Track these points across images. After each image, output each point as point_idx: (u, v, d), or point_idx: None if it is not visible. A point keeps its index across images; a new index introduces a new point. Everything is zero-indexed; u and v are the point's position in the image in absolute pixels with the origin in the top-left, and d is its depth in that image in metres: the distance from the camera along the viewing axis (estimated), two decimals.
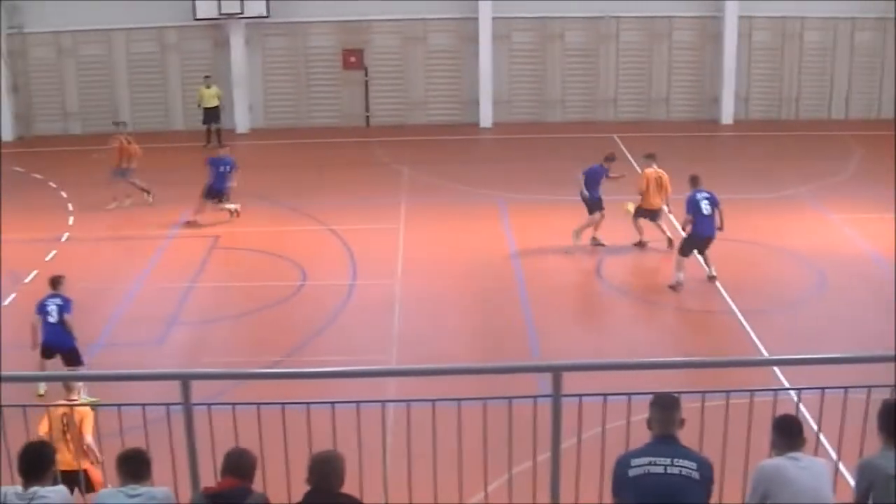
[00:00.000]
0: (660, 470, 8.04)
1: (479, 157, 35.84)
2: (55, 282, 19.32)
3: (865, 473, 8.41)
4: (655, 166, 26.12)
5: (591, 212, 26.24)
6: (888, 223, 27.80)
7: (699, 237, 23.69)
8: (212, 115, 36.58)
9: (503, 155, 35.94)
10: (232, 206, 28.28)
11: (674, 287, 23.63)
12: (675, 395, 8.51)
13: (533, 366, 12.36)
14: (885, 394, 8.95)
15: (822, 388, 9.45)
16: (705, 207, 23.54)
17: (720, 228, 23.69)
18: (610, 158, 26.88)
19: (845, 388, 9.34)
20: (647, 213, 26.03)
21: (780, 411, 8.90)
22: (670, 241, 25.80)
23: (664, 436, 8.30)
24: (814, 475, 8.31)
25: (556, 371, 8.43)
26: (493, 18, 37.95)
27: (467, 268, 25.15)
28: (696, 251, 23.85)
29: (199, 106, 36.78)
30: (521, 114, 39.37)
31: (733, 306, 22.85)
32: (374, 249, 26.14)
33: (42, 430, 13.24)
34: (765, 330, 21.71)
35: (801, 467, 8.29)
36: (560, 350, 20.35)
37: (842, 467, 10.05)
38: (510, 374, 9.32)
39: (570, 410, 8.43)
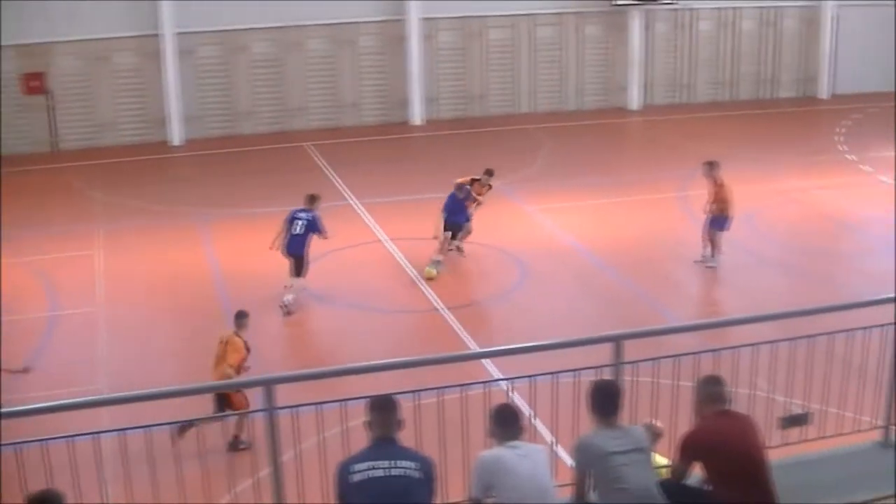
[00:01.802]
0: (381, 473, 8.01)
1: (173, 177, 35.24)
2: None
3: (582, 453, 8.60)
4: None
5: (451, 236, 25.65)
6: (581, 211, 28.91)
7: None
8: None
9: (198, 172, 35.46)
10: None
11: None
12: (393, 396, 8.52)
13: (245, 381, 12.23)
14: (592, 375, 9.19)
15: (532, 376, 9.65)
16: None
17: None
18: (458, 187, 25.95)
19: (554, 373, 9.56)
20: None
21: (493, 402, 9.02)
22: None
23: (383, 438, 8.26)
24: (534, 462, 8.43)
25: (268, 384, 8.35)
26: (177, 34, 37.35)
27: (170, 288, 24.67)
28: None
29: None
30: (214, 128, 38.88)
31: (439, 304, 23.14)
32: (71, 278, 25.35)
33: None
34: (473, 324, 22.07)
35: (520, 455, 8.40)
36: (271, 363, 20.16)
37: (560, 450, 10.27)
38: (221, 391, 9.15)
39: (286, 423, 8.35)
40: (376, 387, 9.24)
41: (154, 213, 30.10)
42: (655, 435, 11.74)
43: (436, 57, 40.20)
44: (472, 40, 40.36)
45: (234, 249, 27.04)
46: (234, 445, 15.73)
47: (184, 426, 14.56)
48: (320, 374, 8.88)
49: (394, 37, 39.43)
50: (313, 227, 23.38)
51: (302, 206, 23.79)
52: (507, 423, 8.57)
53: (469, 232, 25.95)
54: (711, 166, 25.14)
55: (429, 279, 24.68)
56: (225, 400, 16.13)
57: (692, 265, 25.72)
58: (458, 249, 26.07)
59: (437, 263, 25.06)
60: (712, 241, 25.09)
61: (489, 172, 26.43)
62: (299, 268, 23.49)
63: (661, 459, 11.18)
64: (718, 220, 24.95)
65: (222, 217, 29.47)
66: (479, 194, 26.11)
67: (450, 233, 25.58)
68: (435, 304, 23.23)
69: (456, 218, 25.59)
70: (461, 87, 40.73)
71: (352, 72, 39.49)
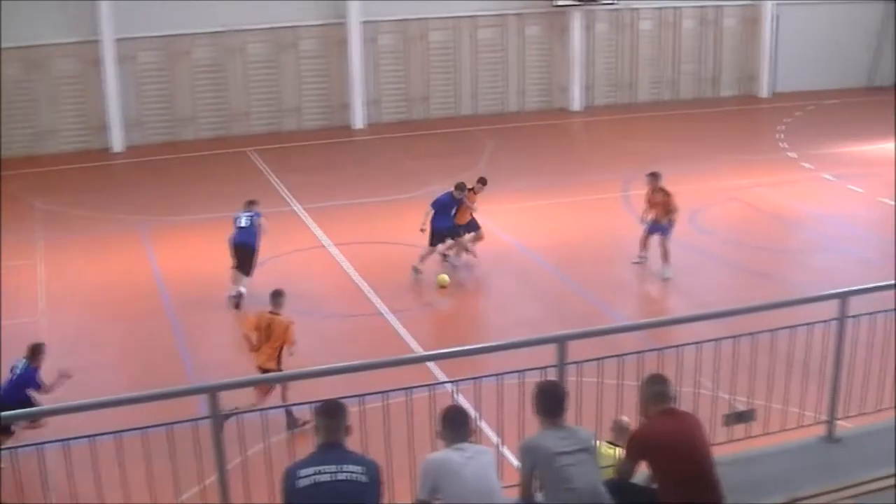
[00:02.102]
0: (327, 478, 7.97)
1: (115, 184, 34.95)
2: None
3: (529, 454, 8.61)
4: None
5: (431, 243, 25.16)
6: (524, 212, 28.98)
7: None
8: None
9: (139, 179, 35.16)
10: None
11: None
12: (340, 401, 8.49)
13: (186, 389, 12.11)
14: (537, 376, 9.20)
15: (477, 378, 9.64)
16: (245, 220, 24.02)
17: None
18: (460, 188, 25.37)
19: (499, 374, 9.56)
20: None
21: (439, 405, 9.01)
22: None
23: (330, 443, 8.23)
24: (480, 464, 8.42)
25: (213, 391, 8.30)
26: (117, 40, 37.06)
27: (114, 296, 24.50)
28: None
29: None
30: (156, 135, 38.60)
31: (383, 308, 23.11)
32: (14, 288, 25.09)
33: (246, 328, 18.28)
34: (417, 327, 22.06)
35: (467, 457, 8.39)
36: (215, 369, 20.05)
37: (506, 451, 10.27)
38: (168, 399, 9.12)
39: (231, 429, 8.30)
40: (322, 392, 9.20)
41: (96, 220, 29.85)
42: (624, 430, 11.89)
43: (377, 60, 40.16)
44: (413, 43, 40.35)
45: (177, 256, 26.89)
46: (293, 424, 16.23)
47: (227, 415, 15.34)
48: (265, 379, 8.82)
49: (335, 40, 39.34)
50: (256, 222, 23.87)
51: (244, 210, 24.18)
52: (454, 425, 8.56)
53: (480, 237, 25.82)
54: (655, 177, 25.21)
55: (442, 287, 24.46)
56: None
57: (636, 265, 25.82)
58: (445, 258, 25.79)
59: (416, 270, 24.91)
60: (663, 250, 25.10)
61: (482, 181, 25.96)
62: (247, 264, 23.67)
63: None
64: (666, 228, 25.00)
65: (165, 224, 29.28)
66: (472, 202, 25.59)
67: (442, 242, 25.36)
68: (379, 308, 23.20)
69: (440, 223, 25.08)
70: (403, 89, 40.70)
71: (293, 76, 39.37)
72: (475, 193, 25.70)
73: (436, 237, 25.11)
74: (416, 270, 24.97)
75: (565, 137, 39.59)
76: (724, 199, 30.64)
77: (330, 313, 23.26)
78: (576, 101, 42.53)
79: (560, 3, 40.83)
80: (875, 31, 46.68)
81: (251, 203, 24.36)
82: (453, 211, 25.20)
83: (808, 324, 10.95)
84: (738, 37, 45.02)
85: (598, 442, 10.83)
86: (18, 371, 17.16)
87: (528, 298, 24.15)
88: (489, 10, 40.87)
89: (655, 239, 24.99)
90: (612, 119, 41.06)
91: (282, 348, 17.95)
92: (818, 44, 45.55)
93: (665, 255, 24.91)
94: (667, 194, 24.94)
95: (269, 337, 17.93)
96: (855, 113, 42.22)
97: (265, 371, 17.49)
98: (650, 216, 25.10)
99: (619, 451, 11.17)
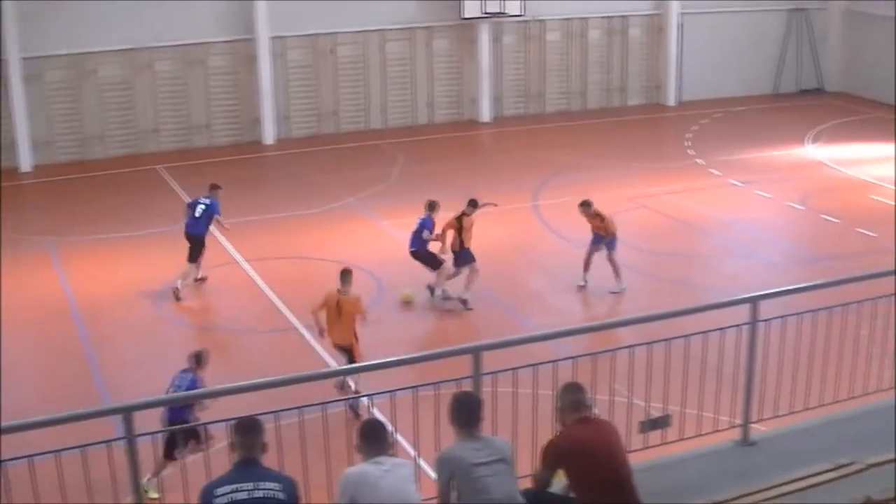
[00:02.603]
0: (244, 496, 7.93)
1: (23, 204, 34.43)
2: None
3: (446, 465, 8.61)
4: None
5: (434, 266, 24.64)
6: (438, 223, 28.97)
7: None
8: None
9: (48, 199, 34.70)
10: None
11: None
12: (256, 417, 8.44)
13: (101, 410, 11.91)
14: (453, 388, 9.20)
15: (392, 391, 9.63)
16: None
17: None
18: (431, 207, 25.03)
19: (414, 387, 9.57)
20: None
21: (355, 419, 8.99)
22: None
23: (247, 460, 8.19)
24: (398, 477, 8.41)
25: (127, 412, 8.23)
26: (23, 59, 36.57)
27: (25, 316, 24.18)
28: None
29: None
30: (64, 154, 38.08)
31: (297, 323, 23.03)
32: None
33: (315, 310, 19.58)
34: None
35: (384, 470, 8.37)
36: (129, 389, 19.86)
37: (423, 463, 10.26)
38: (80, 420, 9.00)
39: (147, 449, 8.22)
40: (237, 409, 9.14)
41: (4, 241, 29.41)
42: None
43: (287, 75, 40.00)
44: (322, 57, 40.23)
45: (88, 275, 26.59)
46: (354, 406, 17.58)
47: (342, 386, 18.32)
48: (180, 398, 8.76)
49: (244, 56, 39.13)
50: (212, 210, 25.11)
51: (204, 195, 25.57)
52: (371, 439, 8.54)
53: (448, 273, 24.51)
54: (587, 205, 25.00)
55: (406, 303, 24.39)
56: (351, 354, 19.07)
57: (548, 273, 25.97)
58: (430, 290, 24.78)
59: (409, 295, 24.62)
60: (613, 265, 25.10)
61: (473, 203, 25.09)
62: (196, 252, 24.77)
63: None
64: (611, 242, 25.05)
65: (75, 243, 28.93)
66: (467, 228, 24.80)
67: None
68: (293, 323, 23.12)
69: (414, 245, 24.67)
70: (313, 104, 40.56)
71: (202, 92, 39.08)
72: (468, 217, 24.94)
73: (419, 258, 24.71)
74: (433, 292, 24.62)
75: (475, 149, 39.68)
76: (634, 206, 30.88)
77: (244, 329, 23.15)
78: (485, 113, 42.62)
79: (467, 15, 40.92)
80: (779, 39, 47.34)
81: (213, 188, 25.76)
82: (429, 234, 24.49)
83: (720, 329, 11.07)
84: (644, 46, 45.40)
85: None
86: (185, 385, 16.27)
87: (442, 310, 24.16)
88: (397, 24, 40.88)
89: (602, 255, 24.86)
90: (522, 130, 41.21)
91: (354, 322, 19.33)
92: (724, 52, 46.09)
93: (616, 270, 24.89)
94: (602, 218, 24.97)
95: (340, 314, 19.28)
96: (761, 119, 42.78)
97: (343, 348, 19.31)
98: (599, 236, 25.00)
99: None
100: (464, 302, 24.04)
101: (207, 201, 25.34)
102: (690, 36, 45.21)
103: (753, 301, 10.71)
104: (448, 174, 34.70)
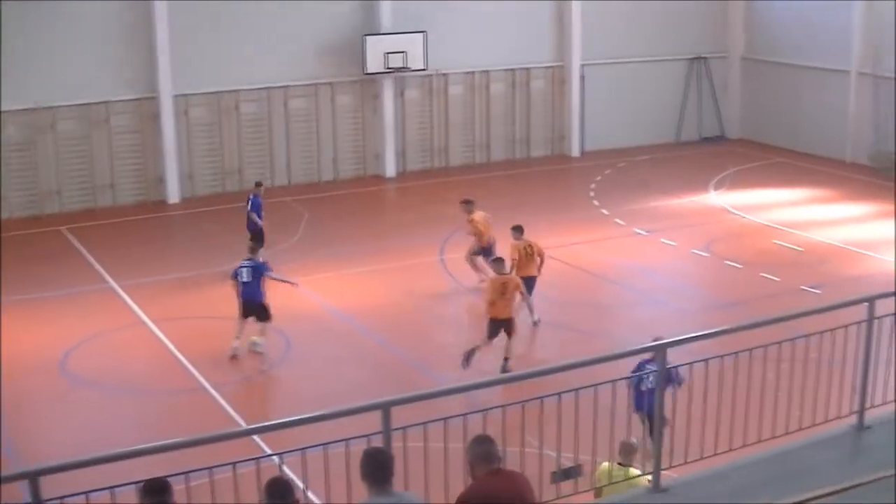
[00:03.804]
0: None
1: None
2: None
3: None
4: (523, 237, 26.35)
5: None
6: (343, 280, 29.06)
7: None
8: None
9: None
10: None
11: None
12: (165, 479, 8.33)
13: (13, 475, 11.66)
14: (363, 444, 9.15)
15: (303, 449, 9.55)
16: None
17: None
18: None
19: (325, 444, 9.50)
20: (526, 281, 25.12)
21: (265, 478, 8.89)
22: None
23: None
24: None
25: (33, 477, 8.09)
26: None
27: None
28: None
29: None
30: None
31: (205, 382, 22.83)
32: None
33: (490, 292, 23.40)
34: (240, 401, 21.84)
35: None
36: (34, 453, 19.52)
37: None
38: None
39: None
40: (146, 471, 9.02)
41: None
42: (631, 450, 13.40)
43: (190, 133, 39.78)
44: (225, 115, 40.08)
45: None
46: (505, 368, 22.97)
47: (468, 354, 22.82)
48: (88, 461, 8.62)
49: (147, 115, 38.86)
50: (260, 271, 24.69)
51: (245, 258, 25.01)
52: (278, 497, 8.46)
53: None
54: (468, 204, 28.62)
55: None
56: (510, 326, 23.42)
57: (456, 326, 26.02)
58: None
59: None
60: (476, 267, 28.42)
61: (517, 229, 26.70)
62: (262, 315, 24.68)
63: (633, 472, 12.97)
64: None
65: None
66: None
67: None
68: (201, 382, 22.91)
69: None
70: (217, 162, 40.34)
71: (106, 152, 38.67)
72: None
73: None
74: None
75: (381, 204, 39.70)
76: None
77: (152, 390, 22.90)
78: (390, 168, 42.63)
79: (371, 70, 41.03)
80: (680, 88, 48.02)
81: (252, 249, 25.31)
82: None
83: (628, 377, 11.12)
84: (547, 98, 45.78)
85: (607, 463, 12.96)
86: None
87: (351, 366, 24.11)
88: (300, 80, 40.85)
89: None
90: (426, 184, 41.28)
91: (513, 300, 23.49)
92: (626, 102, 46.63)
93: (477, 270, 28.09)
94: (477, 224, 28.68)
95: (505, 293, 23.22)
96: (664, 168, 43.28)
97: (506, 321, 23.32)
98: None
99: (629, 472, 13.06)
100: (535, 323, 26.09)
101: (250, 263, 24.68)
102: (592, 87, 45.69)
103: (661, 349, 10.78)
104: (354, 230, 34.71)
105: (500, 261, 24.06)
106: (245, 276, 24.44)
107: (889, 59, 41.74)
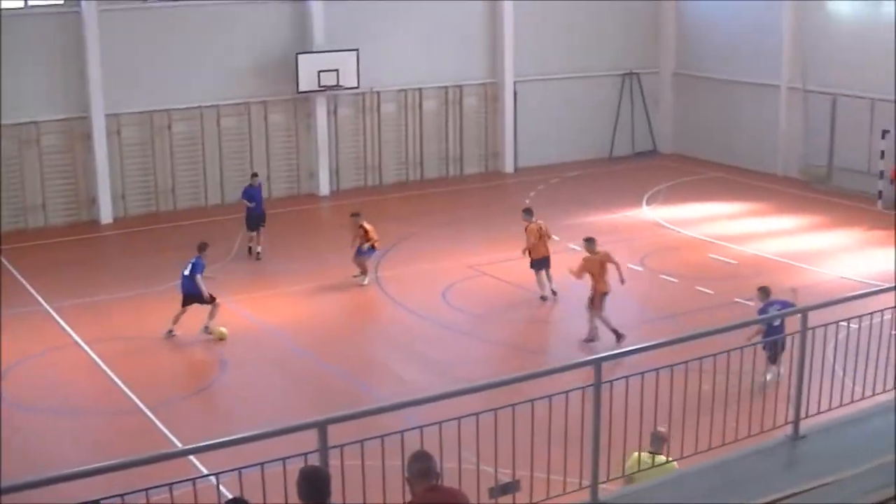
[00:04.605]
0: None
1: None
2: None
3: None
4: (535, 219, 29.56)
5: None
6: (277, 298, 28.97)
7: None
8: None
9: None
10: None
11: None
12: (102, 502, 8.24)
13: None
14: (300, 462, 9.10)
15: (239, 469, 9.48)
16: None
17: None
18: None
19: (261, 463, 9.43)
20: (539, 262, 29.11)
21: (202, 500, 8.82)
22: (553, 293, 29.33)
23: None
24: None
25: None
26: None
27: None
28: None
29: None
30: None
31: (140, 403, 22.63)
32: None
33: (588, 267, 25.97)
34: (176, 421, 21.66)
35: None
36: None
37: None
38: None
39: None
40: (82, 494, 8.92)
41: None
42: (662, 440, 14.09)
43: (122, 153, 39.45)
44: (157, 134, 39.81)
45: None
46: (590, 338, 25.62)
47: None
48: (23, 485, 8.50)
49: (78, 134, 38.51)
50: (195, 269, 26.78)
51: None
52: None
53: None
54: (356, 216, 31.27)
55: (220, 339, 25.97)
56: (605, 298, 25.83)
57: (391, 343, 25.99)
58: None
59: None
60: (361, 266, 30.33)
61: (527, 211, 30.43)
62: (202, 301, 26.65)
63: (661, 459, 13.70)
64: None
65: None
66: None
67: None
68: (136, 403, 22.70)
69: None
70: (149, 182, 40.02)
71: (36, 172, 38.29)
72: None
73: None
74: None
75: (315, 222, 39.50)
76: (475, 274, 31.09)
77: (87, 412, 22.67)
78: (323, 186, 42.52)
79: (303, 89, 40.94)
80: (613, 103, 48.32)
81: (200, 248, 27.33)
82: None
83: (564, 392, 11.13)
84: (480, 114, 45.90)
85: (638, 453, 13.85)
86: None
87: (288, 384, 24.05)
88: (233, 99, 40.67)
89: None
90: (360, 202, 40.87)
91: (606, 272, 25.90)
92: (559, 118, 46.85)
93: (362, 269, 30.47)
94: (366, 231, 30.76)
95: (603, 267, 25.88)
96: (598, 183, 43.52)
97: (606, 293, 25.91)
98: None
99: (656, 459, 13.81)
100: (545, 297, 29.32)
101: (194, 260, 26.93)
102: (525, 103, 45.87)
103: (597, 363, 10.80)
104: (289, 248, 34.58)
105: (591, 240, 26.39)
106: (187, 270, 26.72)
107: (818, 74, 42.29)
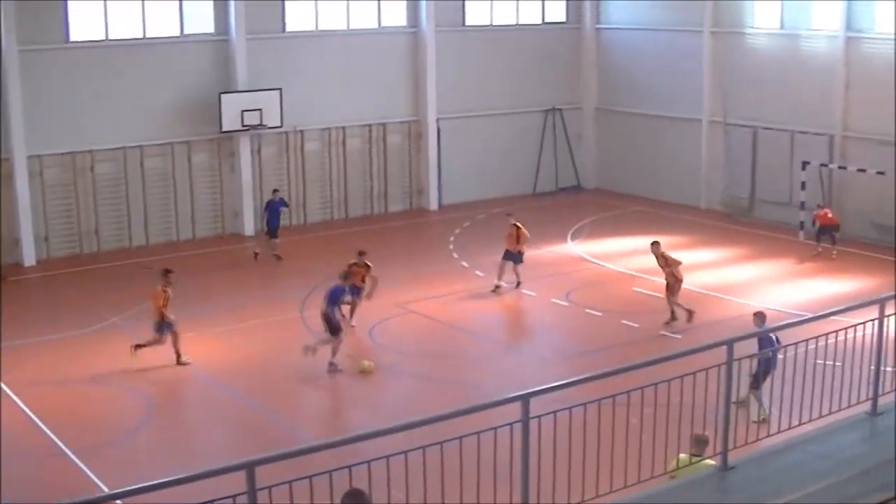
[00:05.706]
0: None
1: None
2: None
3: None
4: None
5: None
6: (202, 339, 28.77)
7: None
8: None
9: None
10: None
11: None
12: None
13: None
14: None
15: None
16: None
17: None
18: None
19: None
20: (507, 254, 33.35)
21: None
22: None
23: None
24: None
25: None
26: None
27: None
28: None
29: None
30: None
31: (65, 448, 22.36)
32: None
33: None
34: (101, 465, 21.42)
35: None
36: None
37: None
38: None
39: None
40: None
41: None
42: (703, 443, 14.68)
43: (45, 194, 39.06)
44: (80, 175, 39.46)
45: None
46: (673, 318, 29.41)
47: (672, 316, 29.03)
48: None
49: (0, 175, 38.12)
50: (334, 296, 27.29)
51: None
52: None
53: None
54: (655, 245, 30.78)
55: (364, 372, 26.38)
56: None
57: (319, 382, 25.91)
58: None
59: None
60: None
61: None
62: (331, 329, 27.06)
63: (709, 462, 13.86)
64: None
65: None
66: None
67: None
68: (61, 448, 22.41)
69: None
70: (72, 223, 39.63)
71: None
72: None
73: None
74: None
75: (239, 262, 39.21)
76: (402, 312, 31.08)
77: (12, 457, 22.31)
78: (248, 226, 42.29)
79: (227, 128, 40.80)
80: (536, 139, 48.63)
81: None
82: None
83: (492, 428, 11.13)
84: (403, 152, 45.97)
85: (683, 454, 14.57)
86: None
87: (215, 425, 23.88)
88: (156, 140, 40.40)
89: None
90: (286, 241, 40.91)
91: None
92: (483, 154, 47.08)
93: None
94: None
95: (667, 259, 29.84)
96: (522, 219, 43.41)
97: (680, 280, 29.94)
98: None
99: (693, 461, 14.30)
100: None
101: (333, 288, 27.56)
102: (449, 140, 46.06)
103: (525, 398, 10.81)
104: (214, 289, 34.39)
105: (656, 243, 30.35)
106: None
107: (738, 107, 42.85)
